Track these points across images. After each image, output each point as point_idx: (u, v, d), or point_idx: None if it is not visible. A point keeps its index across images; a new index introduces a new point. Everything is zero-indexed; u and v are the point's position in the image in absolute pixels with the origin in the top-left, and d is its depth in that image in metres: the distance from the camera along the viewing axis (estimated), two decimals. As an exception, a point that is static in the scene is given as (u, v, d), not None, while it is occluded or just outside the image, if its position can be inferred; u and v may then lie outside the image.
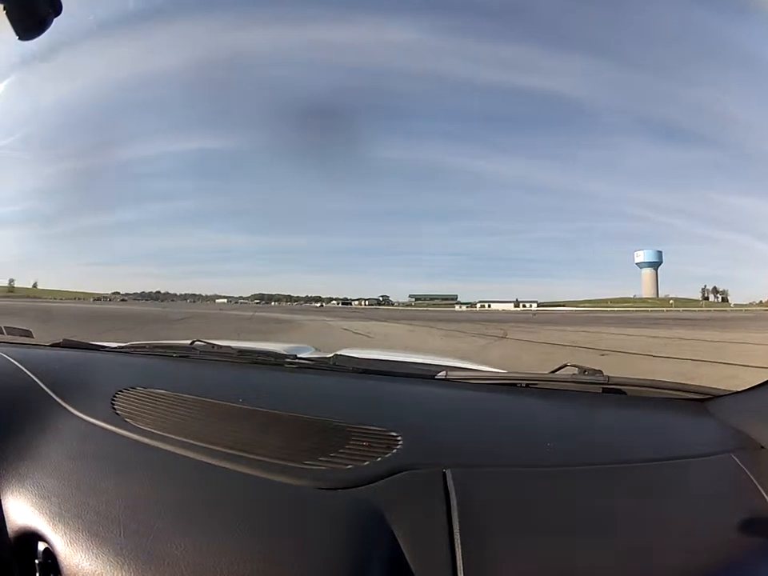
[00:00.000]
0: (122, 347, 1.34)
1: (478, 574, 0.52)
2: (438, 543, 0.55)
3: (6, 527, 0.65)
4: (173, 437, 0.76)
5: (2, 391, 0.96)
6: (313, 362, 1.19)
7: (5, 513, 0.66)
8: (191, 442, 0.75)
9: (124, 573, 0.53)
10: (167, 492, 0.64)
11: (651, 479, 0.68)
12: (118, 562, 0.54)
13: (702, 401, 0.91)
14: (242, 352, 1.27)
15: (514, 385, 1.01)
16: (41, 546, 0.61)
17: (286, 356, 1.22)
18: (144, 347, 1.32)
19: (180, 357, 1.26)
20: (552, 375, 1.04)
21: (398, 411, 0.89)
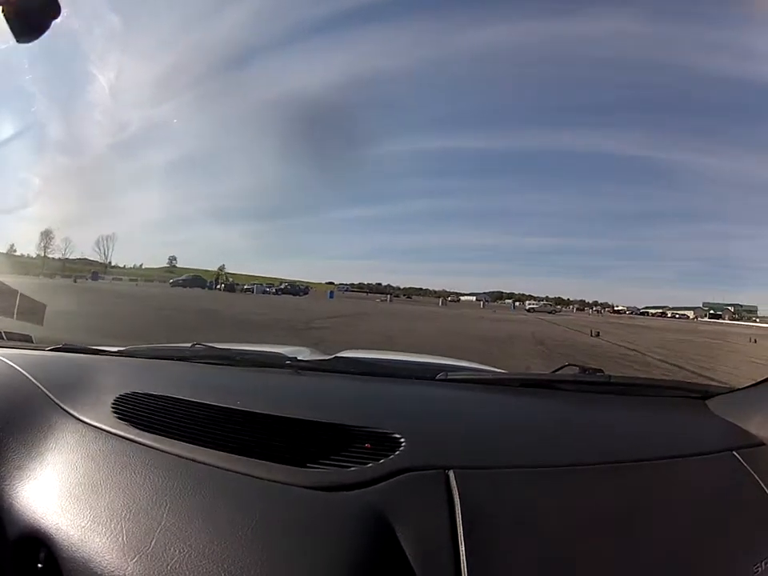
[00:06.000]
0: (122, 351, 1.34)
1: (483, 575, 0.52)
2: (441, 544, 0.55)
3: (6, 532, 0.66)
4: (173, 440, 0.77)
5: (2, 395, 0.95)
6: (313, 364, 1.18)
7: (6, 518, 0.66)
8: (193, 445, 0.75)
9: None
10: (169, 496, 0.64)
11: (653, 478, 0.68)
12: (120, 567, 0.54)
13: (703, 398, 0.92)
14: (242, 354, 1.26)
15: (516, 385, 1.01)
16: (42, 551, 0.61)
17: (286, 358, 1.21)
18: (144, 350, 1.32)
19: (180, 360, 1.25)
20: (553, 375, 1.05)
21: (399, 412, 0.89)
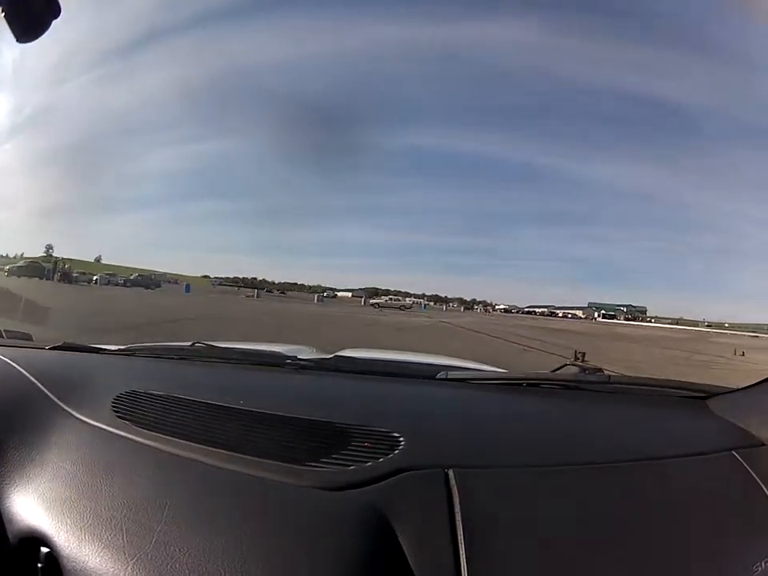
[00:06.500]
0: (123, 349, 1.34)
1: (482, 574, 0.53)
2: (441, 543, 0.55)
3: (7, 532, 0.66)
4: (174, 439, 0.77)
5: (2, 394, 0.95)
6: (313, 363, 1.18)
7: (6, 517, 0.66)
8: (193, 444, 0.75)
9: None
10: (169, 494, 0.64)
11: (653, 477, 0.68)
12: (120, 566, 0.54)
13: (703, 398, 0.92)
14: (243, 353, 1.27)
15: (515, 384, 1.01)
16: (43, 550, 0.61)
17: (286, 357, 1.22)
18: (144, 349, 1.32)
19: (181, 359, 1.25)
20: (553, 374, 1.05)
21: (399, 411, 0.89)
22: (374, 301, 40.90)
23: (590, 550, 0.56)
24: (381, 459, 0.69)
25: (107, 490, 0.66)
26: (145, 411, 0.87)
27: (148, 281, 38.63)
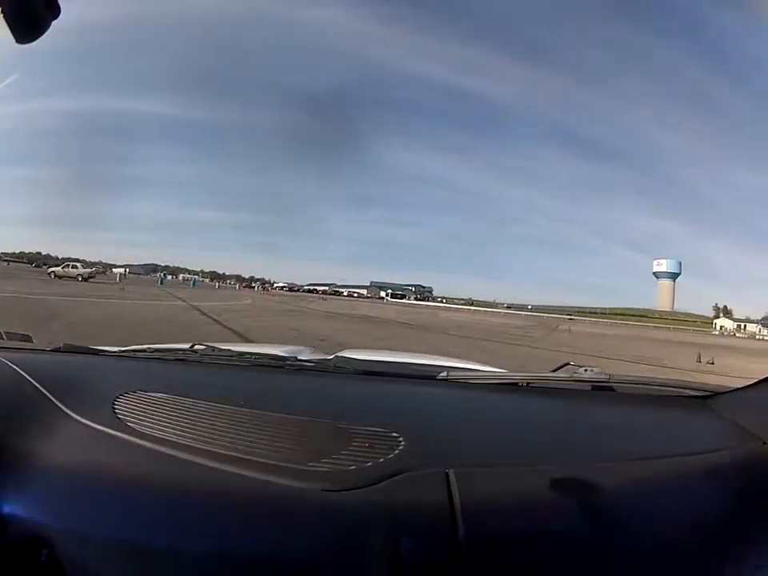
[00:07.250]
0: (123, 351, 1.34)
1: (483, 575, 0.53)
2: (441, 544, 0.55)
3: (8, 533, 0.65)
4: (175, 440, 0.77)
5: (2, 397, 0.95)
6: (313, 364, 1.19)
7: (7, 518, 0.66)
8: (193, 445, 0.75)
9: None
10: (170, 496, 0.64)
11: (654, 476, 0.68)
12: (121, 567, 0.55)
13: (704, 398, 0.92)
14: (243, 354, 1.27)
15: (516, 384, 1.02)
16: (43, 551, 0.61)
17: (286, 358, 1.22)
18: (144, 351, 1.32)
19: (181, 360, 1.25)
20: (553, 375, 1.06)
21: (400, 412, 0.90)
22: (51, 269, 35.13)
23: (592, 549, 0.56)
24: (381, 460, 0.69)
25: (108, 491, 0.67)
26: (146, 413, 0.87)
27: None
